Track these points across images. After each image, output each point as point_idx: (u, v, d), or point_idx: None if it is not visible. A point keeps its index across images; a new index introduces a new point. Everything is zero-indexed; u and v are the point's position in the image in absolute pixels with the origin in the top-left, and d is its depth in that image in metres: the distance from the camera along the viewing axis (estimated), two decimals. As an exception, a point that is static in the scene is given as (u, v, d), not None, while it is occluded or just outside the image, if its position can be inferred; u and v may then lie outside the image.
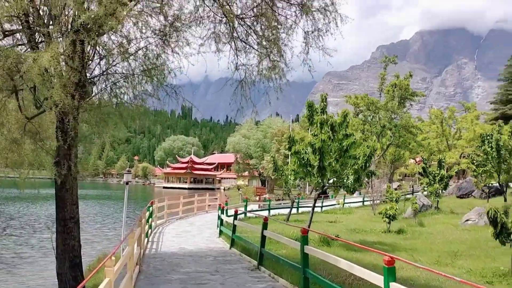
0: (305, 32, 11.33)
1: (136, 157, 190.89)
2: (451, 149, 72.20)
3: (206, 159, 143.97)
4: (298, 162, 16.72)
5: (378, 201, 34.00)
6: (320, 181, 16.67)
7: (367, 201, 39.57)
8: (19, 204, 43.97)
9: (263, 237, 13.03)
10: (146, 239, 17.42)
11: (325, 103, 17.48)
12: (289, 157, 62.26)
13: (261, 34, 11.50)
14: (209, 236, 20.25)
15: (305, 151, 16.82)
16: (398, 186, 59.25)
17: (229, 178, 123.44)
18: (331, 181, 17.31)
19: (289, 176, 18.66)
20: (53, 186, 9.81)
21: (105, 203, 55.49)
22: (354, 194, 23.75)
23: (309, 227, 16.76)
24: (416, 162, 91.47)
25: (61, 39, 8.02)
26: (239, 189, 68.24)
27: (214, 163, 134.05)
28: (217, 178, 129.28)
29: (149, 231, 19.66)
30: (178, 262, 13.74)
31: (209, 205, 34.39)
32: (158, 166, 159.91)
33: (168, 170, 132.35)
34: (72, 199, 9.75)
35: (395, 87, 55.29)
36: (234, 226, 16.64)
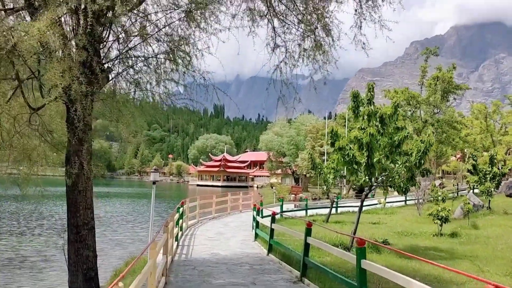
0: (357, 2, 9.56)
1: (170, 156, 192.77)
2: (496, 145, 68.46)
3: (239, 157, 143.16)
4: (342, 159, 14.91)
5: (421, 200, 31.82)
6: (367, 180, 14.85)
7: (410, 200, 37.27)
8: (52, 203, 43.73)
9: (307, 245, 11.41)
10: (176, 242, 16.11)
11: (372, 93, 15.57)
12: (325, 154, 60.34)
13: (302, 8, 9.79)
14: (244, 239, 18.80)
15: (349, 147, 15.05)
16: (440, 184, 56.22)
17: (262, 176, 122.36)
18: (379, 179, 15.44)
19: (328, 175, 16.88)
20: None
21: (138, 201, 55.13)
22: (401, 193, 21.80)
23: (355, 232, 15.02)
24: (457, 159, 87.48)
25: (64, 7, 6.59)
26: (272, 187, 66.65)
27: (247, 161, 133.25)
28: (250, 176, 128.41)
29: (180, 233, 18.40)
30: (211, 271, 12.30)
31: (242, 204, 32.99)
32: (192, 164, 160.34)
33: (201, 168, 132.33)
34: (86, 202, 8.34)
35: (437, 80, 52.51)
36: (272, 230, 15.07)
